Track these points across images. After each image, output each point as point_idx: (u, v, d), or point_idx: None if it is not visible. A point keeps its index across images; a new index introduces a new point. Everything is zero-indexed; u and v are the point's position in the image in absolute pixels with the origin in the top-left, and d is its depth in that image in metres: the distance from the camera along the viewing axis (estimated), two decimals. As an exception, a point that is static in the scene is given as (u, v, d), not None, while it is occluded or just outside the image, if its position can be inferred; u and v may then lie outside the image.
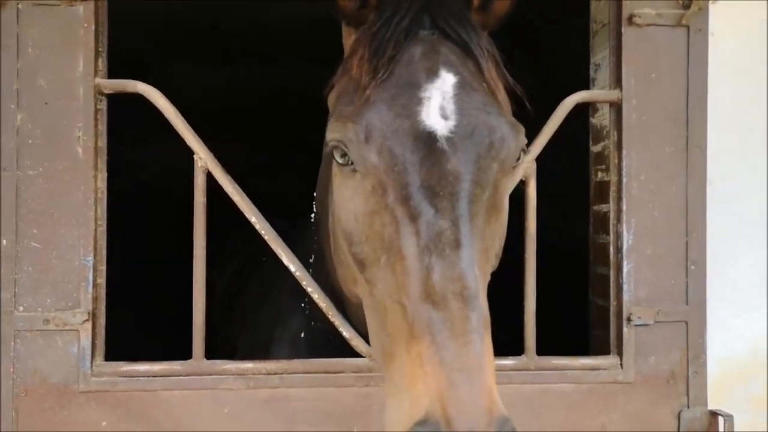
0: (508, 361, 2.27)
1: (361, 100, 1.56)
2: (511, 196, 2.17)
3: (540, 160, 2.28)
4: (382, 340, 1.51)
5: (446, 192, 1.48)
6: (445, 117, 1.53)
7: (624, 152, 2.33)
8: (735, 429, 2.37)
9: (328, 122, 1.66)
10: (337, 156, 1.60)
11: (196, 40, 4.80)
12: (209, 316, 2.23)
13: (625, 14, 2.33)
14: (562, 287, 3.84)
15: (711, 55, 2.40)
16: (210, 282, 3.86)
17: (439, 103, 1.54)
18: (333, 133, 1.59)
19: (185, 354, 2.20)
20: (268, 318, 2.74)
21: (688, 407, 2.31)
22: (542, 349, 2.33)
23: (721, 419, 2.27)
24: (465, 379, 1.31)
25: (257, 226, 2.20)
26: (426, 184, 1.48)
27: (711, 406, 2.36)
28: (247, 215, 2.20)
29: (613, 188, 2.36)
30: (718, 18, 2.43)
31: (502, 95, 1.68)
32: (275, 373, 2.18)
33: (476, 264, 1.46)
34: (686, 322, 2.32)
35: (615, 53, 2.37)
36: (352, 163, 1.57)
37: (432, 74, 1.57)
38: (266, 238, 2.20)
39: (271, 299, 2.74)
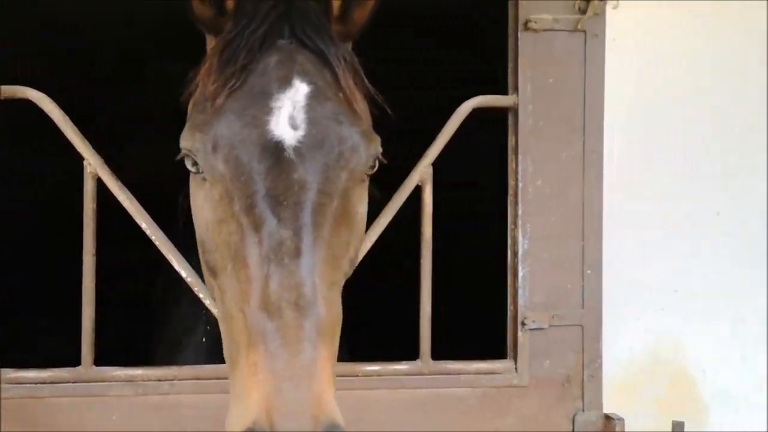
0: (402, 366, 2.27)
1: (212, 110, 1.56)
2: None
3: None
4: (229, 348, 1.52)
5: (290, 201, 1.48)
6: (294, 127, 1.53)
7: (520, 157, 2.34)
8: (639, 430, 2.41)
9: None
10: (188, 164, 1.61)
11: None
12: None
13: (521, 19, 2.33)
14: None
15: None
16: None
17: (289, 113, 1.54)
18: (183, 142, 1.59)
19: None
20: (177, 324, 2.73)
21: (583, 411, 2.33)
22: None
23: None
24: (292, 386, 1.32)
25: (147, 232, 2.19)
26: (271, 193, 1.49)
27: (615, 408, 2.38)
28: (137, 220, 2.19)
29: (510, 193, 2.37)
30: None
31: (360, 105, 1.68)
32: (165, 380, 2.18)
33: (318, 273, 1.46)
34: (582, 326, 2.34)
35: (513, 58, 2.37)
36: (202, 172, 1.58)
37: (285, 84, 1.57)
38: (157, 243, 2.19)
39: (181, 305, 2.74)
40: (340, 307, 1.60)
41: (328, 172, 1.54)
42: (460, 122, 2.31)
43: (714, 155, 2.53)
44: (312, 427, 1.30)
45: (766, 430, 2.58)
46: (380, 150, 1.66)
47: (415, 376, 2.27)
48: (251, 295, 1.43)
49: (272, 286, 1.41)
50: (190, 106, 1.73)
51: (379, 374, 2.26)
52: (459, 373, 2.29)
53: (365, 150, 1.60)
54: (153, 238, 2.19)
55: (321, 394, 1.35)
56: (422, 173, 2.29)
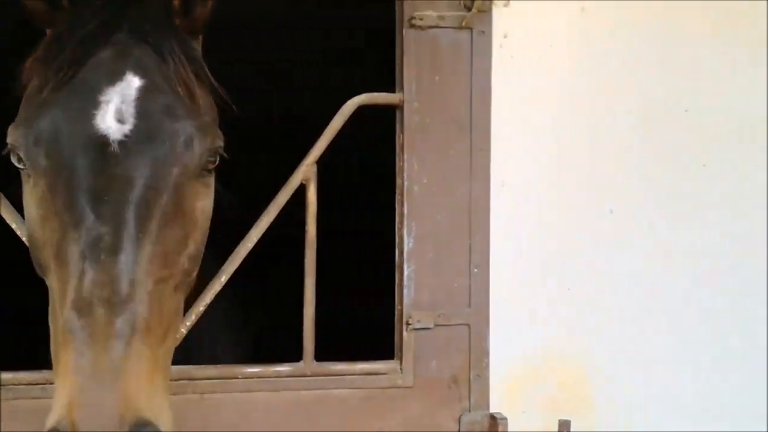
0: (284, 368, 2.24)
1: (37, 104, 1.53)
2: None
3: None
4: (52, 347, 1.49)
5: (112, 197, 1.46)
6: (121, 120, 1.51)
7: (406, 155, 2.32)
8: (529, 430, 2.40)
9: None
10: (13, 159, 1.58)
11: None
12: None
13: (406, 16, 2.31)
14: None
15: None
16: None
17: (116, 107, 1.51)
18: (9, 137, 1.56)
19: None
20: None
21: (470, 411, 2.31)
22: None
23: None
24: (96, 385, 1.31)
25: (18, 233, 2.14)
26: (92, 189, 1.46)
27: (506, 408, 2.36)
28: (8, 221, 2.14)
29: (398, 191, 2.35)
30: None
31: (202, 99, 1.66)
32: (36, 384, 2.13)
33: (141, 269, 1.44)
34: (468, 326, 2.32)
35: (399, 55, 2.35)
36: (27, 167, 1.55)
37: (116, 77, 1.55)
38: (26, 242, 2.14)
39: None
40: (176, 303, 1.58)
41: (157, 167, 1.51)
42: (344, 120, 2.28)
43: (606, 152, 2.53)
44: (116, 427, 1.28)
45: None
46: (221, 144, 1.64)
47: (298, 378, 2.24)
48: (68, 293, 1.41)
49: (85, 284, 1.39)
50: (22, 101, 1.69)
51: (260, 376, 2.23)
52: (343, 374, 2.26)
53: (200, 144, 1.58)
54: (24, 239, 2.14)
55: (131, 392, 1.33)
56: (305, 171, 2.26)
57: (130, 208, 1.46)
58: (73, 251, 1.43)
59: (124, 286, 1.40)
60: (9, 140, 1.56)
